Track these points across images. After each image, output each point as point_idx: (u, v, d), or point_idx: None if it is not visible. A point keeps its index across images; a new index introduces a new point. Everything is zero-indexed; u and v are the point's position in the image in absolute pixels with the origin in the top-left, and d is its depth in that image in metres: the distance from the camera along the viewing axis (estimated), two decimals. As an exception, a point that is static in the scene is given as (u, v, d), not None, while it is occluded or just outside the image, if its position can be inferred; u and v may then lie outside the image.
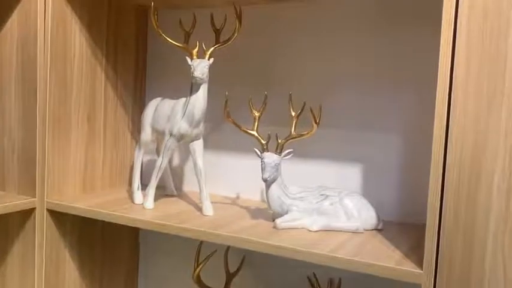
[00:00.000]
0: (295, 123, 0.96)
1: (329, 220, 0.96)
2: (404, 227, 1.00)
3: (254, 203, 1.19)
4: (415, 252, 0.83)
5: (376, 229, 0.97)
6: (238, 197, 1.25)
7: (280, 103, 1.07)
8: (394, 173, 1.06)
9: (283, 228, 0.95)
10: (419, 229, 0.99)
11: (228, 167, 1.27)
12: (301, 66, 1.14)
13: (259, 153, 0.98)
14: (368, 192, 1.07)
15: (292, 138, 0.96)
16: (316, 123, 0.92)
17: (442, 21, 0.69)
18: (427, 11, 1.01)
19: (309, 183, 1.10)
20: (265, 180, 0.94)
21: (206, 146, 1.25)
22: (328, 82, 1.11)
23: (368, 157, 1.08)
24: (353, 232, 0.95)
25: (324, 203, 0.98)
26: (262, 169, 0.95)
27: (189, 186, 1.33)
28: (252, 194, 1.23)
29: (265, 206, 1.16)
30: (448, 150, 0.70)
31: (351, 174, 1.10)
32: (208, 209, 1.05)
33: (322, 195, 0.99)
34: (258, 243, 0.85)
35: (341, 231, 0.95)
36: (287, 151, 0.97)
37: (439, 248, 0.71)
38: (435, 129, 0.70)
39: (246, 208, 1.13)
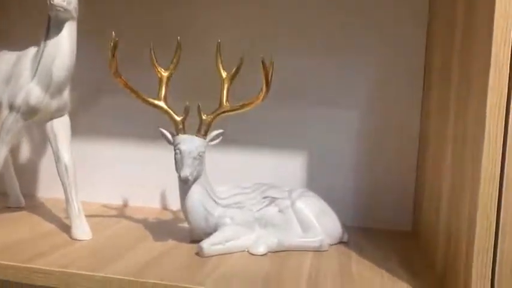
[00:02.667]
0: (228, 88, 0.61)
1: (280, 235, 0.63)
2: (370, 235, 0.73)
3: (151, 212, 0.81)
4: (426, 278, 0.55)
5: (341, 242, 0.68)
6: (126, 206, 0.85)
7: (201, 56, 0.71)
8: (350, 164, 0.78)
9: (212, 255, 0.60)
10: (391, 238, 0.72)
11: (108, 160, 0.86)
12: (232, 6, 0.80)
13: (169, 137, 0.61)
14: (317, 190, 0.77)
15: (225, 112, 0.61)
16: (267, 85, 0.58)
17: None
18: None
19: (235, 181, 0.76)
20: (185, 180, 0.58)
21: (75, 127, 0.84)
22: (268, 38, 0.78)
23: (315, 144, 0.78)
24: (315, 251, 0.64)
25: (269, 209, 0.65)
26: (178, 162, 0.59)
27: (45, 190, 0.89)
28: (147, 199, 0.85)
29: (167, 215, 0.79)
30: (507, 154, 0.42)
31: (293, 167, 0.79)
32: (82, 231, 0.64)
33: (265, 198, 0.66)
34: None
35: (299, 250, 0.63)
36: (216, 132, 0.61)
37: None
38: (488, 124, 0.42)
39: (143, 222, 0.74)
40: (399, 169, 0.76)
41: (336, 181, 0.78)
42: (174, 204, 0.83)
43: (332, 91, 0.77)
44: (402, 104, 0.75)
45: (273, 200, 0.66)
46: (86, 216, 0.66)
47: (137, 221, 0.75)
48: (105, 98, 0.85)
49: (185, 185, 0.59)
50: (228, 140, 0.78)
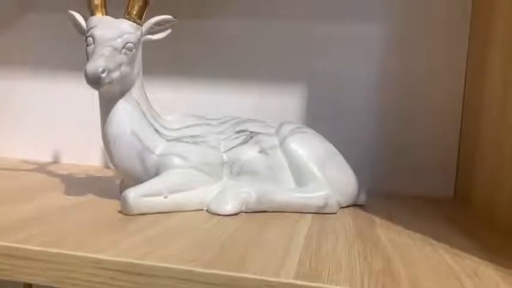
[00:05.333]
0: None
1: (262, 187, 0.39)
2: (398, 200, 0.49)
3: (87, 170, 0.57)
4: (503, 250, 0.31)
5: (355, 205, 0.44)
6: (56, 162, 0.62)
7: None
8: (370, 108, 0.54)
9: (145, 213, 0.36)
10: (428, 204, 0.48)
11: (33, 102, 0.63)
12: None
13: (81, 22, 0.38)
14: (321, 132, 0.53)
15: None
16: None
17: None
18: None
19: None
20: (95, 80, 0.33)
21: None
22: None
23: (321, 77, 0.55)
24: (317, 212, 0.40)
25: (245, 149, 0.41)
26: (90, 56, 0.35)
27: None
28: (84, 154, 0.61)
29: (105, 173, 0.56)
30: None
31: (289, 109, 0.55)
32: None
33: (240, 132, 0.42)
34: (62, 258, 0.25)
35: (292, 211, 0.39)
36: (161, 17, 0.38)
37: None
38: None
39: (62, 177, 0.51)
40: (438, 116, 0.52)
41: (349, 131, 0.54)
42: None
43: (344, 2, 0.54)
44: (445, 16, 0.52)
45: (251, 135, 0.42)
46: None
47: (55, 175, 0.51)
48: (26, 16, 0.62)
49: (96, 88, 0.35)
50: (195, 71, 0.55)
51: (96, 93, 0.37)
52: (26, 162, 0.60)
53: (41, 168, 0.56)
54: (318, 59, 0.54)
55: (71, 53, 0.60)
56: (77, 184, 0.47)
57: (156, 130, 0.39)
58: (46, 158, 0.62)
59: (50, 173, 0.52)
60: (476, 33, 0.49)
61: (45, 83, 0.62)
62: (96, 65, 0.33)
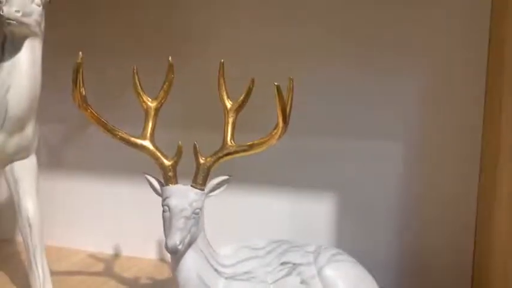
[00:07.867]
0: (233, 122, 0.46)
1: (303, 318, 0.48)
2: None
3: (146, 265, 0.66)
4: None
5: (382, 321, 0.52)
6: (117, 256, 0.71)
7: (199, 80, 0.58)
8: (392, 214, 0.61)
9: None
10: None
11: (98, 200, 0.72)
12: (238, 15, 0.65)
13: (157, 187, 0.47)
14: (350, 246, 0.61)
15: (229, 154, 0.45)
16: (284, 119, 0.42)
17: None
18: None
19: (239, 235, 0.60)
20: (173, 251, 0.43)
21: (59, 162, 0.72)
22: (285, 53, 0.63)
23: (347, 188, 0.62)
24: (350, 338, 0.48)
25: (289, 281, 0.49)
26: (166, 223, 0.44)
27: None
28: (142, 247, 0.70)
29: (163, 271, 0.65)
30: None
31: (319, 218, 0.63)
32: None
33: (284, 264, 0.50)
34: None
35: (327, 338, 0.47)
36: (219, 180, 0.46)
37: None
38: None
39: (130, 284, 0.60)
40: (456, 220, 0.59)
41: (374, 235, 0.62)
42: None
43: (370, 116, 0.61)
44: (461, 134, 0.59)
45: (293, 267, 0.50)
46: (65, 273, 0.53)
47: (124, 281, 0.60)
48: (95, 129, 0.71)
49: (174, 256, 0.44)
50: (231, 181, 0.63)
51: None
52: (92, 257, 0.69)
53: (108, 267, 0.65)
54: (342, 171, 0.62)
55: (128, 159, 0.69)
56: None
57: (216, 270, 0.47)
58: (107, 249, 0.71)
59: (116, 278, 0.61)
60: (486, 167, 0.56)
61: (100, 182, 0.72)
62: (175, 240, 0.42)
